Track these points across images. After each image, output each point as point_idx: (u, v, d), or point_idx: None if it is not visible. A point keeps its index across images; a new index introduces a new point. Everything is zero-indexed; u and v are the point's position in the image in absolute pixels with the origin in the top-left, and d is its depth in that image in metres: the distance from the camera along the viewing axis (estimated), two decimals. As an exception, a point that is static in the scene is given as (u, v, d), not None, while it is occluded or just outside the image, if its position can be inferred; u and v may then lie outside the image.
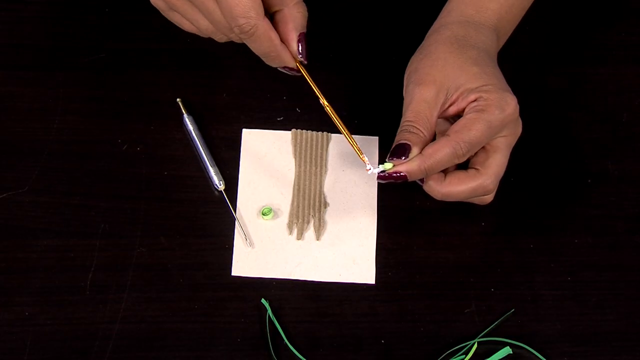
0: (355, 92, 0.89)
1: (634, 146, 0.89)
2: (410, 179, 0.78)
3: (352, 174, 0.86)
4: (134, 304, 0.81)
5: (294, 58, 0.76)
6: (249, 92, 0.89)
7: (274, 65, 0.77)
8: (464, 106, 0.78)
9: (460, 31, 0.81)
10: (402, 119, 0.79)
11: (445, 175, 0.79)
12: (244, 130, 0.87)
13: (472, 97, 0.78)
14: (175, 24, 0.78)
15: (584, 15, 0.94)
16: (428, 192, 0.80)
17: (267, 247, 0.83)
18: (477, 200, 0.82)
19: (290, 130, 0.87)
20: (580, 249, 0.85)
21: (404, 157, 0.77)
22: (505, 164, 0.80)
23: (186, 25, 0.78)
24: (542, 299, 0.83)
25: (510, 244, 0.85)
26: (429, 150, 0.77)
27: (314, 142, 0.87)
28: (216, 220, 0.84)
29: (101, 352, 0.79)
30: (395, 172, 0.77)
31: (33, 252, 0.82)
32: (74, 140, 0.86)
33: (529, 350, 0.81)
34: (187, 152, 0.86)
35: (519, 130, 0.80)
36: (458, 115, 0.79)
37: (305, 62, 0.77)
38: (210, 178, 0.84)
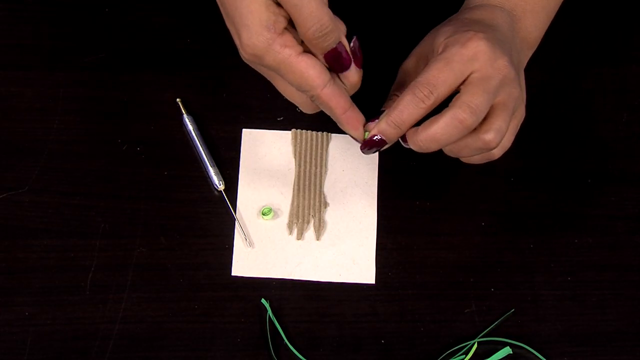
0: (355, 92, 0.89)
1: (634, 146, 0.89)
2: (388, 140, 0.75)
3: (352, 174, 0.86)
4: (134, 304, 0.81)
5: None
6: (249, 92, 0.89)
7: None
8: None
9: (467, 13, 0.79)
10: None
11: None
12: (244, 130, 0.87)
13: (440, 48, 0.75)
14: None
15: (584, 15, 0.94)
16: (412, 147, 0.76)
17: (267, 247, 0.83)
18: (479, 158, 0.78)
19: (290, 130, 0.87)
20: (580, 249, 0.85)
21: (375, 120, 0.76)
22: (481, 96, 0.73)
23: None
24: (542, 299, 0.83)
25: (510, 244, 0.85)
26: (394, 104, 0.74)
27: (314, 142, 0.87)
28: (216, 220, 0.84)
29: (101, 352, 0.79)
30: (371, 138, 0.75)
31: (33, 252, 0.82)
32: (74, 140, 0.86)
33: (529, 350, 0.81)
34: (187, 152, 0.86)
35: (500, 63, 0.74)
36: None
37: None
38: (210, 178, 0.84)
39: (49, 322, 0.80)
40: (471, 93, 0.73)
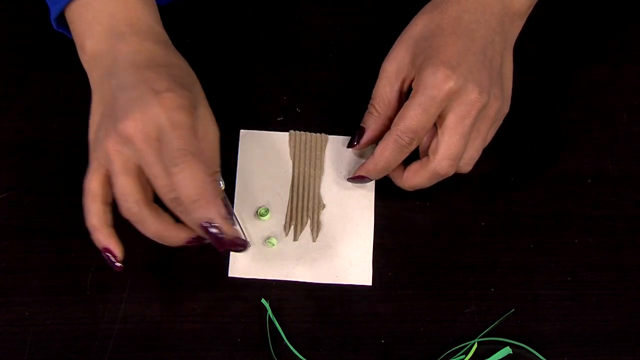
0: (355, 92, 0.88)
1: (634, 146, 0.89)
2: (374, 178, 0.82)
3: (349, 175, 0.86)
4: (134, 304, 0.81)
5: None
6: (247, 93, 0.88)
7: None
8: (410, 85, 0.79)
9: (445, 5, 0.80)
10: None
11: (405, 168, 0.81)
12: (242, 131, 0.87)
13: (413, 75, 0.78)
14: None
15: (584, 15, 0.94)
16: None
17: (263, 248, 0.83)
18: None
19: (287, 131, 0.87)
20: (580, 249, 0.85)
21: (355, 142, 0.82)
22: (458, 141, 0.78)
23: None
24: (542, 299, 0.83)
25: (510, 244, 0.85)
26: (377, 150, 0.79)
27: (312, 144, 0.87)
28: (215, 221, 0.84)
29: (101, 352, 0.79)
30: (359, 176, 0.82)
31: (33, 252, 0.82)
32: (74, 140, 0.86)
33: (529, 350, 0.81)
34: (186, 152, 0.86)
35: (471, 98, 0.77)
36: None
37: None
38: None
39: (49, 322, 0.80)
40: (448, 145, 0.78)
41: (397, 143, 0.77)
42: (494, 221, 0.85)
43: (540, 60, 0.92)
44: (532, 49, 0.92)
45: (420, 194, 0.84)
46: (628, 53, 0.92)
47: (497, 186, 0.86)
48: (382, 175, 0.81)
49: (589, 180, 0.87)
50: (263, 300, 0.81)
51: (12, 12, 0.90)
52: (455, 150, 0.78)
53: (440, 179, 0.80)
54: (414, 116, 0.76)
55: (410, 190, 0.81)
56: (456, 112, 0.77)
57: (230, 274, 0.82)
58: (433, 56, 0.77)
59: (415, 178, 0.80)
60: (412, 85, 0.78)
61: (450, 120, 0.77)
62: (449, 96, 0.76)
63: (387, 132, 0.78)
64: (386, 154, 0.78)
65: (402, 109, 0.77)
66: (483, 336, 0.81)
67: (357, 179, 0.82)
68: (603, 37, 0.93)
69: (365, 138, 0.81)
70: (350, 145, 0.83)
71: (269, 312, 0.81)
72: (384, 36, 0.92)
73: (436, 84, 0.76)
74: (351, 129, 0.85)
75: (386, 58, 0.81)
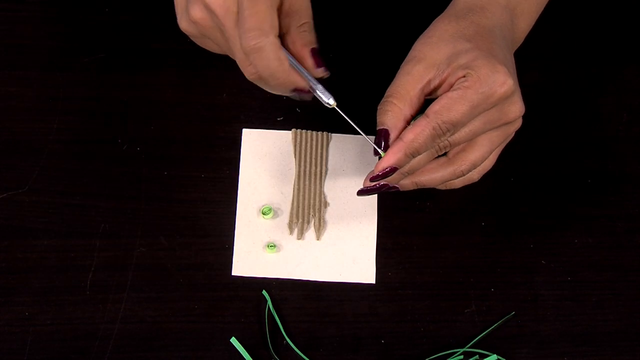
0: (356, 92, 0.89)
1: (634, 146, 0.89)
2: (400, 167, 0.75)
3: (353, 173, 0.86)
4: (134, 304, 0.81)
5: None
6: (249, 92, 0.89)
7: (281, 90, 0.73)
8: (453, 82, 0.74)
9: (463, 10, 0.78)
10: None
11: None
12: (244, 130, 0.87)
13: (461, 73, 0.73)
14: (206, 48, 0.75)
15: (584, 15, 0.94)
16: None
17: (267, 246, 0.83)
18: (459, 182, 0.80)
19: (290, 130, 0.87)
20: (580, 249, 0.85)
21: (383, 147, 0.75)
22: (487, 153, 0.77)
23: (217, 49, 0.75)
24: (542, 299, 0.83)
25: (510, 244, 0.85)
26: (409, 135, 0.73)
27: (315, 142, 0.87)
28: (216, 220, 0.84)
29: (101, 352, 0.79)
30: (385, 169, 0.74)
31: (33, 252, 0.82)
32: (74, 140, 0.86)
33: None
34: (187, 152, 0.86)
35: (511, 111, 0.76)
36: None
37: (327, 74, 0.74)
38: (318, 96, 0.77)
39: (49, 322, 0.80)
40: (482, 145, 0.77)
41: (435, 131, 0.73)
42: (494, 221, 0.85)
43: (540, 60, 0.92)
44: (532, 49, 0.92)
45: (421, 194, 0.84)
46: (628, 53, 0.93)
47: (497, 186, 0.86)
48: (406, 163, 0.75)
49: (589, 180, 0.87)
50: (264, 292, 0.81)
51: (13, 12, 0.90)
52: (481, 160, 0.78)
53: (454, 179, 0.79)
54: (460, 110, 0.72)
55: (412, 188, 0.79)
56: (502, 129, 0.76)
57: (233, 273, 0.82)
58: (488, 56, 0.74)
59: (431, 174, 0.78)
60: (460, 82, 0.73)
61: (494, 134, 0.76)
62: (501, 100, 0.73)
63: (422, 119, 0.73)
64: (420, 140, 0.73)
65: (443, 99, 0.73)
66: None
67: (384, 176, 0.75)
68: (603, 38, 0.93)
69: (394, 137, 0.75)
70: (376, 152, 0.75)
71: (269, 302, 0.81)
72: (384, 36, 0.92)
73: (495, 83, 0.73)
74: (350, 129, 0.85)
75: (409, 57, 0.76)
